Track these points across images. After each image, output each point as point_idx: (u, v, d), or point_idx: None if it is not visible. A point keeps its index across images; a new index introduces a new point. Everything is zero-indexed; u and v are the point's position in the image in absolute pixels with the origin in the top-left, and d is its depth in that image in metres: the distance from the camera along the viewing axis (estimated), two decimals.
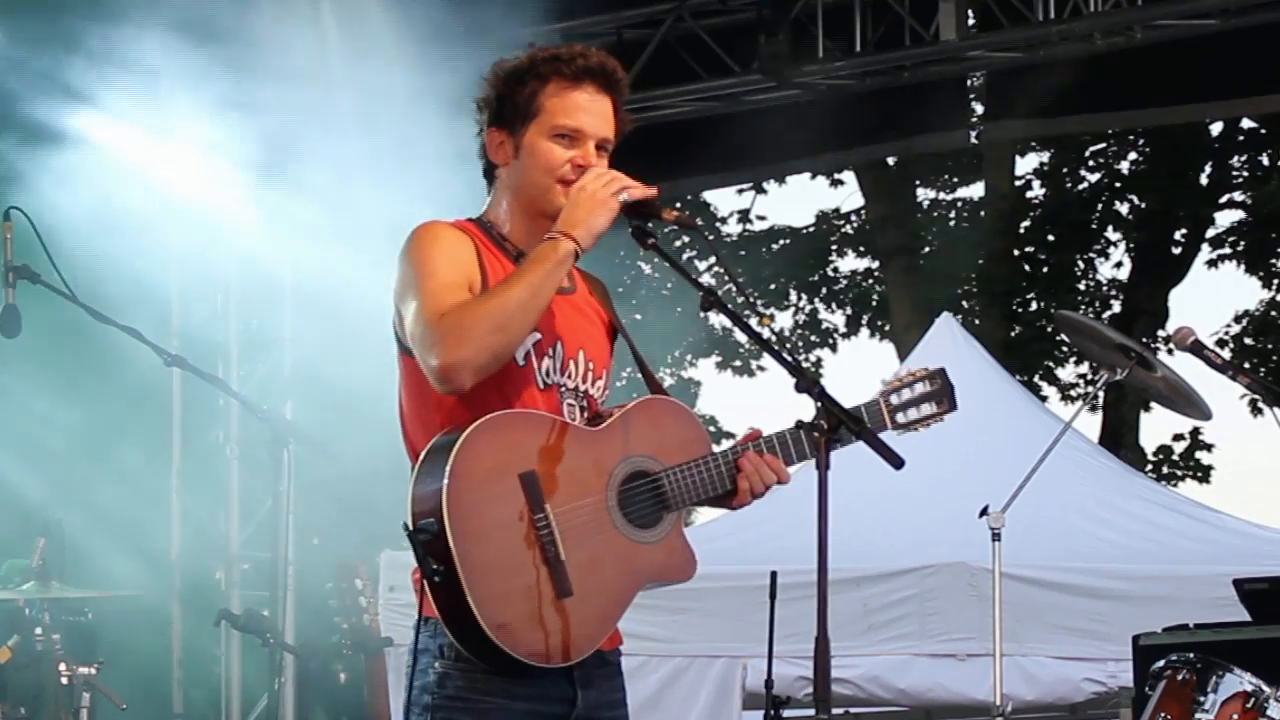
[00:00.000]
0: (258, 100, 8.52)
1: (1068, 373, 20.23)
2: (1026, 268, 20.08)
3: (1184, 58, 9.77)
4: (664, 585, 3.67)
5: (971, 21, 10.01)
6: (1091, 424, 19.24)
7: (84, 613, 7.46)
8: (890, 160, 18.62)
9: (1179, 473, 19.84)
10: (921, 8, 9.81)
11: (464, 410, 3.52)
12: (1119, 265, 20.16)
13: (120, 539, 8.91)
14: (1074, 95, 10.44)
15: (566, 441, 3.54)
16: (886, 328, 20.13)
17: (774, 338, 4.80)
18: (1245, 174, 19.46)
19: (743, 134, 10.77)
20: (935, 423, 3.89)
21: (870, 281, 20.82)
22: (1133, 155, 19.58)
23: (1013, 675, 7.38)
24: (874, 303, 20.59)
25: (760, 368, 20.65)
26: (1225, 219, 19.56)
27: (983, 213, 19.87)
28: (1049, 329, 19.33)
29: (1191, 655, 5.33)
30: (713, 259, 20.25)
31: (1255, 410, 18.57)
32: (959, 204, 20.53)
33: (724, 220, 20.63)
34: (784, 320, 20.76)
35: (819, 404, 3.43)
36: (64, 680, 6.90)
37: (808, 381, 3.42)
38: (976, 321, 18.68)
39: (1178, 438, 19.85)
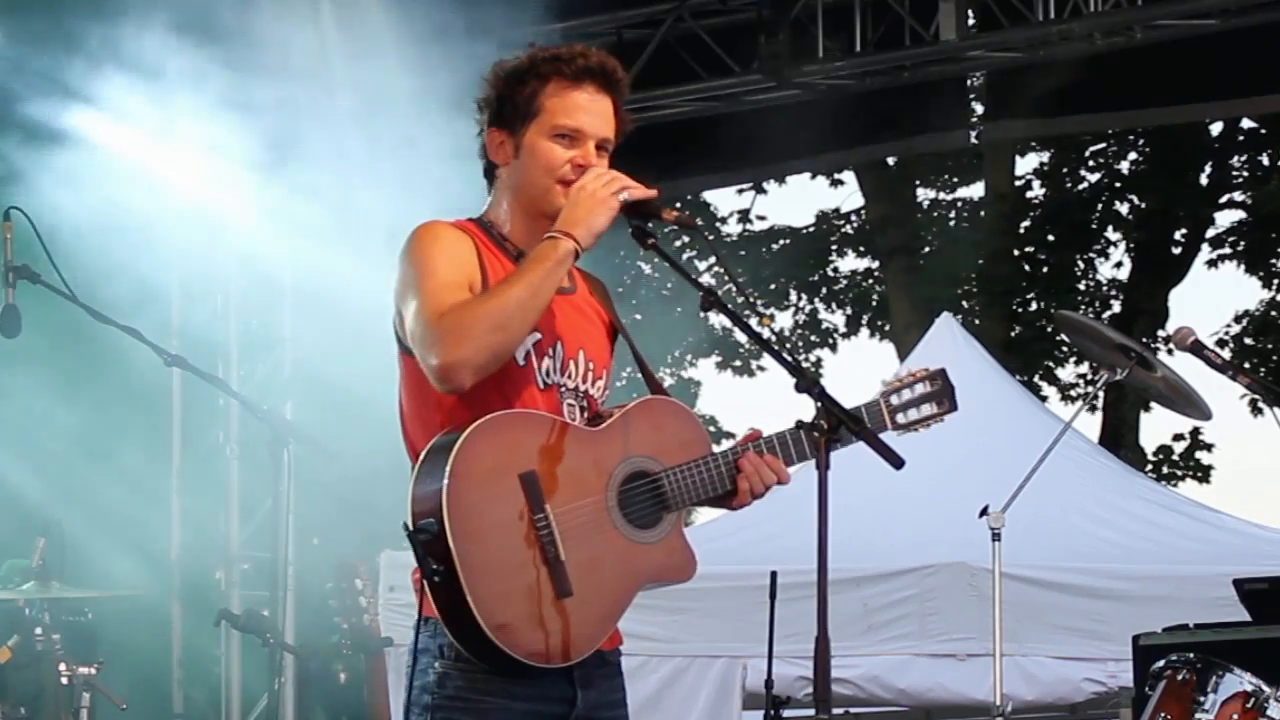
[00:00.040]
0: (258, 100, 8.52)
1: (1068, 373, 20.26)
2: (1026, 268, 20.08)
3: (1184, 58, 9.77)
4: (664, 585, 3.67)
5: (971, 21, 10.02)
6: (1091, 424, 19.27)
7: (84, 613, 7.46)
8: (890, 160, 18.62)
9: (1179, 473, 19.85)
10: (921, 8, 9.82)
11: (464, 410, 3.52)
12: (1119, 265, 20.19)
13: (120, 539, 8.91)
14: (1074, 95, 10.45)
15: (566, 442, 3.54)
16: (886, 328, 20.13)
17: (774, 338, 4.81)
18: (1245, 174, 19.47)
19: (743, 134, 10.78)
20: (935, 423, 3.90)
21: (870, 281, 20.82)
22: (1133, 155, 19.58)
23: (1013, 675, 7.38)
24: (874, 303, 20.59)
25: (760, 368, 20.65)
26: (1225, 219, 19.60)
27: (983, 213, 19.87)
28: (1049, 329, 19.33)
29: (1191, 655, 5.33)
30: (713, 259, 20.25)
31: (1255, 410, 18.58)
32: (959, 204, 20.55)
33: (724, 220, 20.64)
34: (784, 320, 20.78)
35: (819, 404, 3.43)
36: (64, 680, 6.90)
37: (808, 381, 3.42)
38: (976, 321, 18.68)
39: (1178, 438, 19.86)
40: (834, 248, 20.87)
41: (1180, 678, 5.28)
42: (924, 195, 20.47)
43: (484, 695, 3.51)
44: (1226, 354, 16.24)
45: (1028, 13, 9.54)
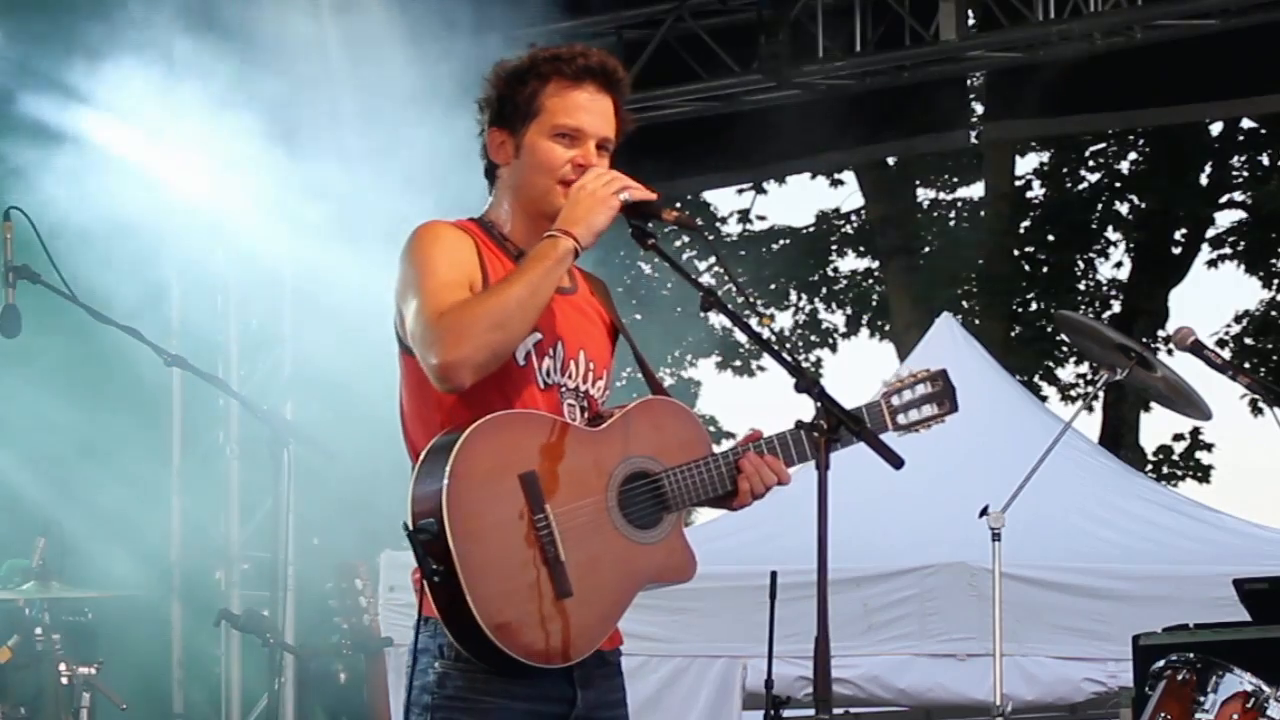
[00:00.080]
0: (258, 99, 8.52)
1: (1068, 373, 20.26)
2: (1026, 268, 20.08)
3: (1184, 58, 9.77)
4: (664, 586, 3.67)
5: (971, 21, 10.02)
6: (1091, 424, 19.27)
7: (84, 613, 7.46)
8: (890, 160, 18.61)
9: (1179, 473, 19.85)
10: (921, 8, 9.81)
11: (464, 410, 3.52)
12: (1119, 265, 20.19)
13: (120, 539, 8.91)
14: (1074, 95, 10.45)
15: (567, 442, 3.54)
16: (886, 328, 20.13)
17: (774, 338, 4.80)
18: (1245, 174, 19.46)
19: (743, 134, 10.78)
20: (936, 424, 3.90)
21: (870, 281, 20.82)
22: (1133, 155, 19.58)
23: (1013, 675, 7.39)
24: (874, 303, 20.59)
25: (760, 368, 20.65)
26: (1225, 219, 19.60)
27: (983, 213, 19.86)
28: (1049, 329, 19.33)
29: (1191, 655, 5.33)
30: (713, 259, 20.25)
31: (1255, 410, 18.58)
32: (959, 204, 20.54)
33: (724, 220, 20.63)
34: (784, 320, 20.78)
35: (819, 404, 3.43)
36: (64, 680, 6.90)
37: (807, 381, 3.42)
38: (976, 321, 18.67)
39: (1178, 438, 19.86)
40: (834, 248, 20.87)
41: (1180, 678, 5.28)
42: (924, 195, 20.47)
43: (484, 695, 3.51)
44: (1226, 354, 16.24)
45: (1028, 13, 9.53)
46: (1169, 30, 9.61)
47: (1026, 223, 20.05)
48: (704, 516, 11.84)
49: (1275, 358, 19.93)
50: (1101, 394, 16.79)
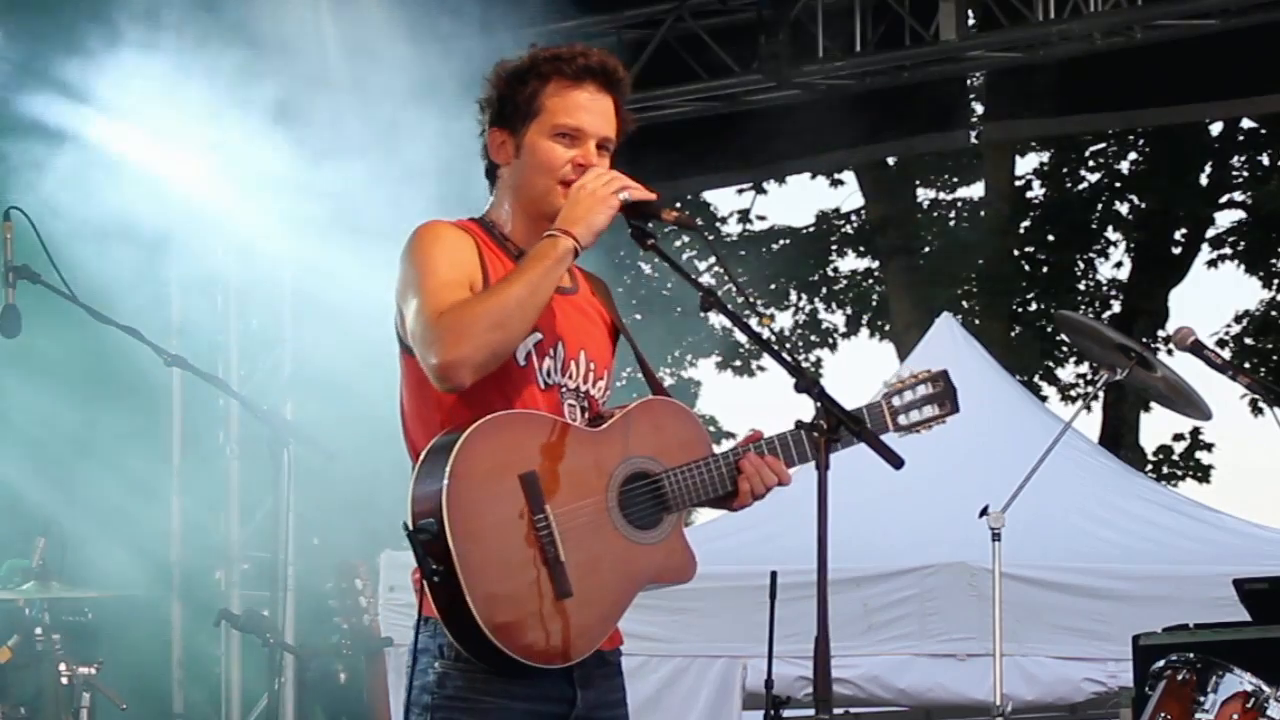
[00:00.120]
0: (258, 99, 8.52)
1: (1068, 373, 20.26)
2: (1026, 268, 20.07)
3: (1184, 58, 9.77)
4: (664, 586, 3.67)
5: (971, 21, 10.01)
6: (1091, 424, 19.27)
7: (84, 613, 7.46)
8: (890, 160, 18.61)
9: (1179, 473, 19.85)
10: (921, 8, 9.81)
11: (465, 410, 3.52)
12: (1119, 265, 20.19)
13: (120, 539, 8.90)
14: (1074, 95, 10.45)
15: (567, 442, 3.54)
16: (886, 328, 20.13)
17: (774, 338, 4.80)
18: (1245, 174, 19.47)
19: (743, 134, 10.78)
20: (937, 425, 3.90)
21: (870, 281, 20.82)
22: (1133, 155, 19.58)
23: (1013, 675, 7.38)
24: (874, 303, 20.59)
25: (760, 368, 20.65)
26: (1225, 219, 19.60)
27: (983, 213, 19.86)
28: (1049, 329, 19.33)
29: (1191, 655, 5.33)
30: (713, 259, 20.25)
31: (1255, 410, 18.58)
32: (959, 204, 20.53)
33: (724, 220, 20.63)
34: (784, 320, 20.77)
35: (818, 404, 3.43)
36: (64, 680, 6.90)
37: (807, 381, 3.42)
38: (976, 321, 18.67)
39: (1178, 438, 19.86)
40: (834, 248, 20.87)
41: (1180, 678, 5.28)
42: (924, 195, 20.46)
43: (484, 695, 3.51)
44: (1226, 354, 16.24)
45: (1028, 13, 9.53)
46: (1169, 30, 9.61)
47: (1026, 223, 20.05)
48: (704, 516, 11.85)
49: (1275, 358, 19.93)
50: (1101, 394, 16.80)
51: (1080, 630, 8.09)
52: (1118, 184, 19.79)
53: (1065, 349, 19.73)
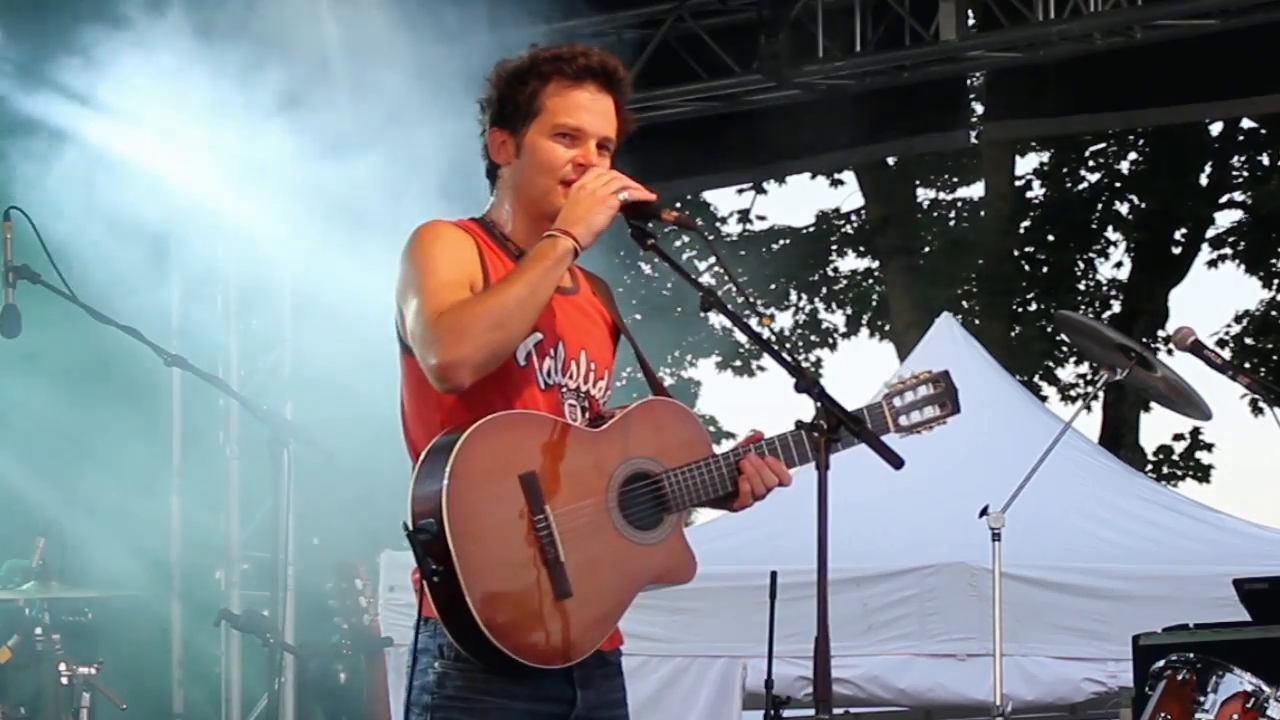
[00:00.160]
0: (259, 99, 8.52)
1: (1068, 373, 20.25)
2: (1026, 268, 20.07)
3: (1184, 58, 9.77)
4: (664, 587, 3.67)
5: (971, 21, 10.02)
6: (1091, 424, 19.26)
7: (84, 613, 7.46)
8: (890, 160, 18.61)
9: (1179, 473, 19.84)
10: (921, 8, 9.82)
11: (465, 410, 3.52)
12: (1119, 265, 20.18)
13: (120, 539, 8.91)
14: (1074, 95, 10.45)
15: (567, 442, 3.54)
16: (886, 328, 20.13)
17: (774, 338, 4.80)
18: (1245, 174, 19.46)
19: (743, 134, 10.78)
20: (938, 425, 3.90)
21: (870, 281, 20.82)
22: (1133, 155, 19.58)
23: (1013, 675, 7.38)
24: (874, 303, 20.59)
25: (760, 368, 20.65)
26: (1225, 219, 19.59)
27: (983, 213, 19.86)
28: (1049, 329, 19.32)
29: (1191, 655, 5.33)
30: (713, 259, 20.23)
31: (1255, 410, 18.58)
32: (959, 204, 20.53)
33: (724, 220, 20.63)
34: (784, 320, 20.77)
35: (819, 404, 3.43)
36: (64, 680, 6.90)
37: (807, 381, 3.42)
38: (976, 321, 18.66)
39: (1178, 438, 19.86)
40: (834, 248, 20.87)
41: (1180, 678, 5.28)
42: (924, 195, 20.46)
43: (483, 695, 3.51)
44: (1226, 354, 16.23)
45: (1028, 13, 9.54)
46: (1169, 30, 9.61)
47: (1026, 223, 20.05)
48: (704, 516, 11.85)
49: (1275, 358, 19.92)
50: (1101, 394, 16.79)
51: (1080, 630, 8.08)
52: (1118, 184, 19.79)
53: (1065, 349, 19.73)
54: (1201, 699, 5.20)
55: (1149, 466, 19.26)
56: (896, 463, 3.38)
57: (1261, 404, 17.84)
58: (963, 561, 8.02)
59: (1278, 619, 6.08)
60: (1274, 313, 19.77)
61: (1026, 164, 19.89)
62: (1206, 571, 7.86)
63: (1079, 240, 20.03)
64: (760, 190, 20.30)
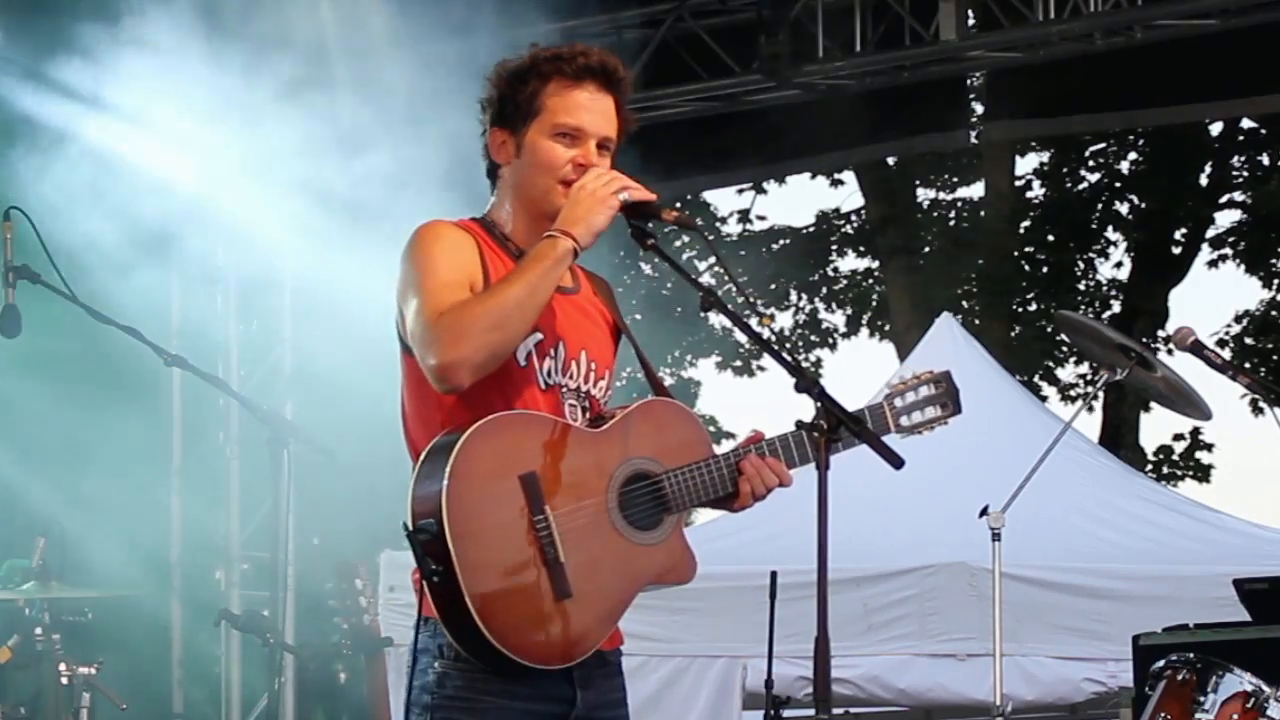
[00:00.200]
0: (258, 99, 8.52)
1: (1068, 373, 20.26)
2: (1026, 268, 20.07)
3: (1184, 58, 9.77)
4: (664, 587, 3.67)
5: (971, 21, 10.02)
6: (1091, 424, 19.27)
7: (84, 613, 7.46)
8: (890, 160, 18.61)
9: (1179, 473, 19.85)
10: (921, 8, 9.82)
11: (465, 410, 3.52)
12: (1119, 265, 20.19)
13: (120, 539, 8.91)
14: (1074, 95, 10.45)
15: (567, 443, 3.54)
16: (886, 328, 20.13)
17: (774, 338, 4.81)
18: (1245, 174, 19.47)
19: (743, 134, 10.78)
20: (939, 426, 3.90)
21: (870, 281, 20.82)
22: (1133, 155, 19.58)
23: (1013, 675, 7.38)
24: (874, 303, 20.59)
25: (760, 368, 20.65)
26: (1225, 219, 19.60)
27: (983, 213, 19.86)
28: (1049, 329, 19.32)
29: (1191, 655, 5.33)
30: (713, 259, 20.24)
31: (1255, 410, 18.58)
32: (959, 204, 20.53)
33: (724, 220, 20.63)
34: (784, 320, 20.77)
35: (819, 404, 3.43)
36: (64, 680, 6.90)
37: (807, 381, 3.42)
38: (976, 321, 18.67)
39: (1178, 438, 19.86)
40: (834, 248, 20.87)
41: (1180, 678, 5.28)
42: (924, 195, 20.46)
43: (483, 695, 3.51)
44: (1226, 354, 16.23)
45: (1028, 13, 9.54)
46: (1169, 30, 9.61)
47: (1026, 223, 20.05)
48: (704, 517, 11.85)
49: (1275, 358, 19.92)
50: (1101, 394, 16.80)
51: (1080, 630, 8.09)
52: (1118, 184, 19.79)
53: (1065, 349, 19.73)
54: (1201, 699, 5.20)
55: (1149, 466, 19.26)
56: (897, 463, 3.38)
57: (1261, 404, 17.85)
58: (963, 561, 8.02)
59: (1278, 619, 6.08)
60: (1274, 313, 19.77)
61: (1026, 164, 19.93)
62: (1206, 571, 7.86)
63: (1079, 240, 20.03)
64: (760, 190, 20.30)
